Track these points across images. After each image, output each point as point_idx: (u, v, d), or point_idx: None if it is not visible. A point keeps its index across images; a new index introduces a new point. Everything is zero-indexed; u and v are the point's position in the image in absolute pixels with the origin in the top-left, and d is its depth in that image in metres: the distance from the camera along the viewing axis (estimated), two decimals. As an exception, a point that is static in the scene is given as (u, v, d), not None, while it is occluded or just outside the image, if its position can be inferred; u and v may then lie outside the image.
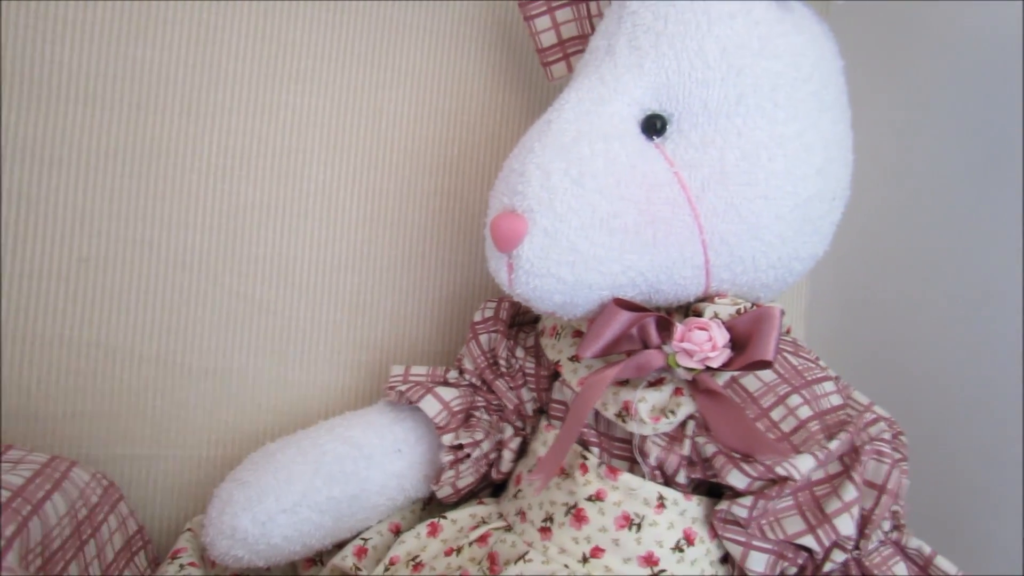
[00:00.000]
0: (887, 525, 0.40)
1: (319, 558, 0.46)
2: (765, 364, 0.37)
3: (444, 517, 0.45)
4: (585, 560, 0.40)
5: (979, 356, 0.53)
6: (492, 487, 0.48)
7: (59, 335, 0.45)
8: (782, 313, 0.43)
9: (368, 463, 0.44)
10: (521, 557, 0.40)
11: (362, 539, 0.45)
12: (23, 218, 0.44)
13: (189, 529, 0.45)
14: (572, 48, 0.48)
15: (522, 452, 0.47)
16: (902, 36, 0.60)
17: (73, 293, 0.45)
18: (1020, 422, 0.50)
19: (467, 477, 0.45)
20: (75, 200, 0.45)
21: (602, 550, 0.39)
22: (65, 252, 0.45)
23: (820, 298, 0.65)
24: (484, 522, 0.44)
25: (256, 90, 0.48)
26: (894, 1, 0.55)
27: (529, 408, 0.47)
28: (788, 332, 0.46)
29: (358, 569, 0.43)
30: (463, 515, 0.45)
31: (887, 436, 0.40)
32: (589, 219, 0.37)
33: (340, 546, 0.45)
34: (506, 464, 0.46)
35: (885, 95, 0.60)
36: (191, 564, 0.42)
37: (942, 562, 0.39)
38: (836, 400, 0.41)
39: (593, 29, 0.46)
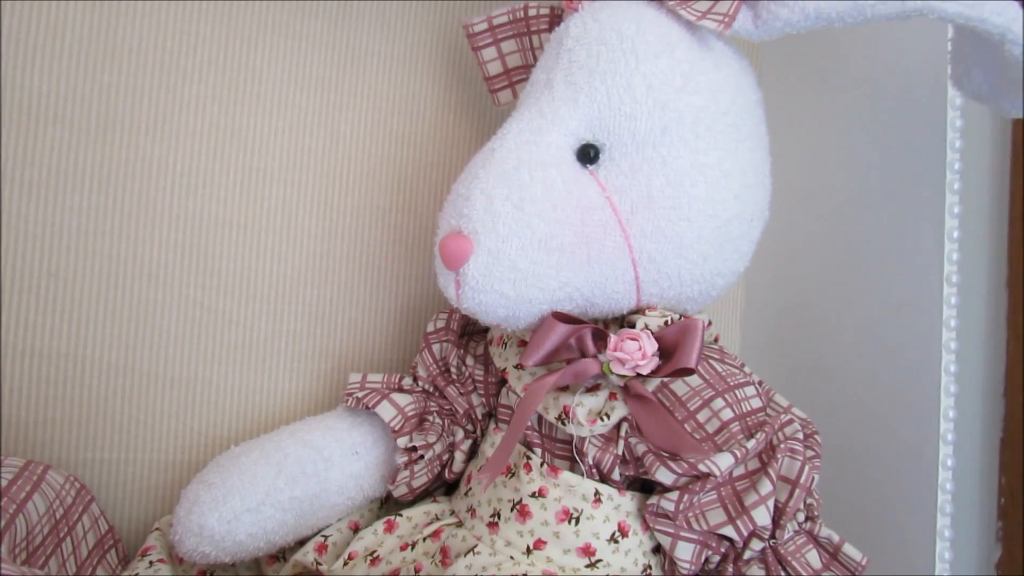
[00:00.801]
0: (801, 516, 0.44)
1: (282, 555, 0.49)
2: (689, 371, 0.41)
3: (400, 515, 0.48)
4: (529, 552, 0.43)
5: (897, 361, 0.58)
6: (445, 486, 0.52)
7: (30, 346, 0.47)
8: (709, 324, 0.47)
9: (328, 465, 0.47)
10: (471, 550, 0.44)
11: (323, 536, 0.48)
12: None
13: (157, 528, 0.48)
14: (517, 77, 0.52)
15: (472, 454, 0.50)
16: (826, 69, 0.64)
17: (43, 306, 0.47)
18: (936, 422, 0.55)
19: (421, 477, 0.49)
20: (45, 217, 0.47)
21: (544, 542, 0.43)
22: (36, 267, 0.47)
23: (753, 308, 0.69)
24: (437, 519, 0.48)
25: (219, 113, 0.51)
26: (819, 38, 0.59)
27: (479, 412, 0.50)
28: (716, 340, 0.50)
29: (319, 564, 0.46)
30: (418, 512, 0.48)
31: (800, 436, 0.44)
32: (528, 240, 0.40)
33: (301, 543, 0.48)
34: (458, 464, 0.49)
35: (815, 122, 0.64)
36: (160, 561, 0.44)
37: (849, 549, 0.44)
38: (756, 403, 0.45)
39: (536, 60, 0.50)
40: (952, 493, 0.55)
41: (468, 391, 0.50)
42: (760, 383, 0.47)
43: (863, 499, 0.58)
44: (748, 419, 0.44)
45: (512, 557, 0.43)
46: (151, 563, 0.44)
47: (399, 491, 0.48)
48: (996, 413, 0.83)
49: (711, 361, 0.46)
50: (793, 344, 0.66)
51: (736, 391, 0.45)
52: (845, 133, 0.62)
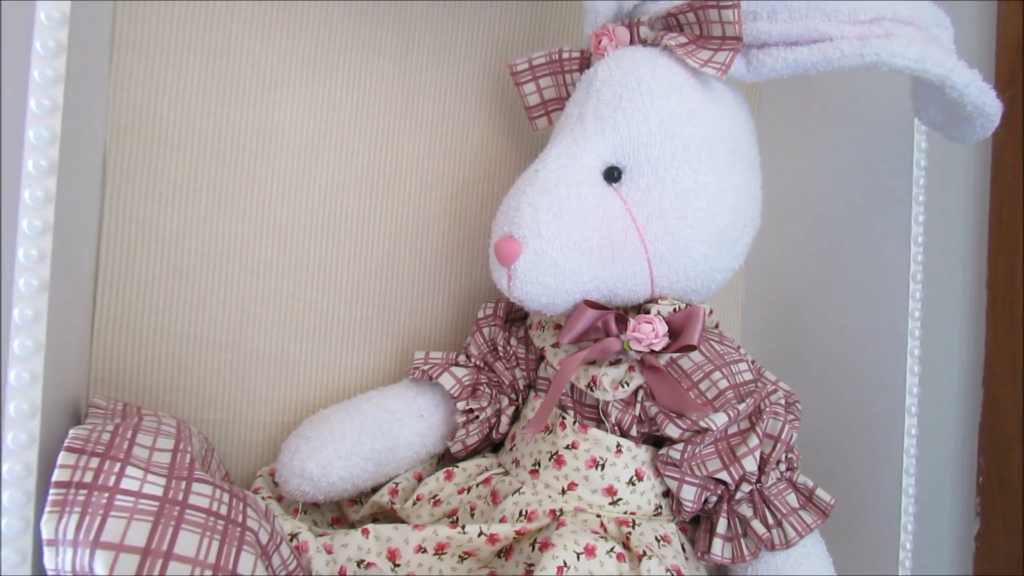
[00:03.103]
0: (783, 467, 0.54)
1: (359, 498, 0.60)
2: (692, 347, 0.51)
3: (457, 466, 0.59)
4: (563, 492, 0.53)
5: (869, 345, 0.68)
6: (491, 446, 0.62)
7: (159, 328, 0.58)
8: (711, 312, 0.58)
9: (399, 424, 0.58)
10: (516, 491, 0.54)
11: (394, 483, 0.58)
12: (130, 238, 0.57)
13: (259, 475, 0.59)
14: (552, 107, 0.62)
15: (515, 418, 0.61)
16: (815, 102, 0.75)
17: (170, 295, 0.58)
18: (902, 398, 0.65)
19: (474, 436, 0.59)
20: (171, 223, 0.58)
21: (576, 484, 0.53)
22: (164, 264, 0.58)
23: (752, 301, 0.80)
24: (487, 469, 0.58)
25: (305, 137, 0.62)
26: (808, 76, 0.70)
27: (521, 384, 0.60)
28: (717, 326, 0.60)
29: (392, 504, 0.57)
30: (471, 465, 0.59)
31: (783, 402, 0.54)
32: (566, 243, 0.50)
33: (374, 490, 0.59)
34: (504, 427, 0.60)
35: (805, 144, 0.75)
36: (269, 498, 0.55)
37: (821, 493, 0.54)
38: (748, 376, 0.55)
39: (569, 93, 0.60)
40: (916, 476, 0.64)
41: (512, 366, 0.60)
42: (753, 362, 0.58)
43: (831, 462, 0.68)
44: (740, 388, 0.54)
45: (550, 496, 0.53)
46: (263, 499, 0.55)
47: (456, 447, 0.59)
48: (976, 400, 0.94)
49: (711, 342, 0.56)
50: (784, 332, 0.76)
51: (731, 366, 0.55)
52: (830, 154, 0.72)
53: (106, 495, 0.35)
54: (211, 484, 0.38)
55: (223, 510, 0.37)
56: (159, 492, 0.36)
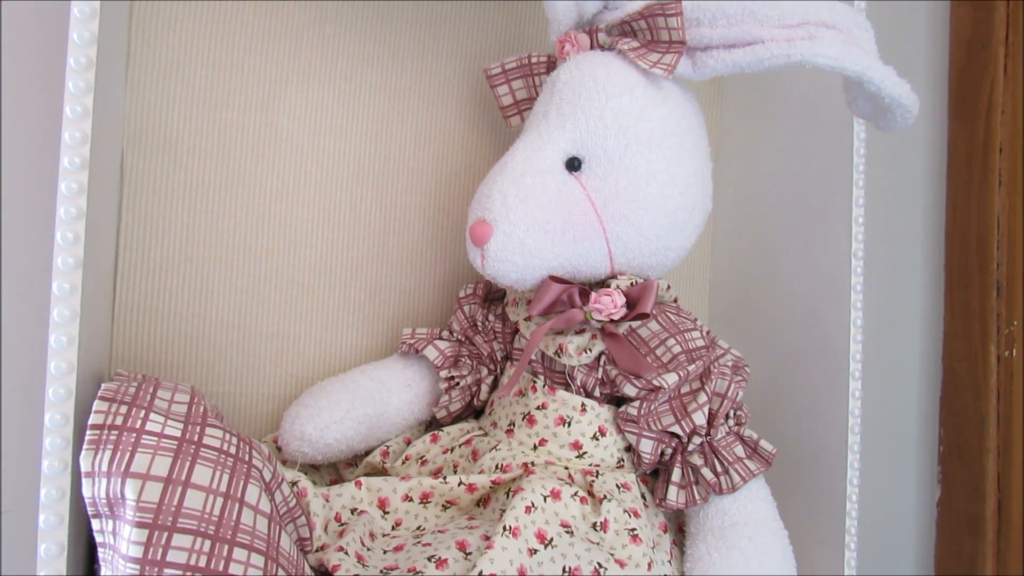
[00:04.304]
0: (731, 422, 0.60)
1: (354, 461, 0.66)
2: (646, 315, 0.58)
3: (442, 430, 0.65)
4: (535, 448, 0.60)
5: (818, 317, 0.74)
6: (474, 414, 0.69)
7: (172, 311, 0.64)
8: (668, 288, 0.64)
9: (388, 393, 0.64)
10: (493, 448, 0.60)
11: (385, 446, 0.64)
12: (146, 231, 0.63)
13: (264, 442, 0.65)
14: (524, 107, 0.68)
15: (494, 387, 0.67)
16: (771, 100, 0.82)
17: (182, 281, 0.64)
18: (846, 364, 0.71)
19: (456, 403, 0.66)
20: (182, 217, 0.65)
21: (546, 440, 0.60)
22: (176, 253, 0.64)
23: (719, 280, 0.86)
24: (469, 432, 0.64)
25: (302, 140, 0.68)
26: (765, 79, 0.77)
27: (499, 355, 0.67)
28: (676, 301, 0.66)
29: (383, 464, 0.64)
30: (455, 429, 0.65)
31: (730, 364, 0.61)
32: (531, 225, 0.56)
33: (368, 453, 0.65)
34: (484, 394, 0.66)
35: (765, 139, 0.81)
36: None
37: (765, 444, 0.60)
38: (700, 343, 0.61)
39: (537, 94, 0.67)
40: (860, 434, 0.70)
41: (490, 339, 0.67)
42: (708, 332, 0.63)
43: (789, 436, 0.75)
44: (692, 353, 0.60)
45: (523, 451, 0.60)
46: (268, 459, 0.61)
47: (440, 413, 0.66)
48: (936, 376, 1.00)
49: (668, 314, 0.62)
50: (748, 309, 0.83)
51: (685, 334, 0.61)
52: (785, 146, 0.79)
53: (134, 435, 0.41)
54: (221, 429, 0.44)
55: (232, 450, 0.44)
56: (178, 434, 0.42)
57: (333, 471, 0.67)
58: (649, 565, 0.54)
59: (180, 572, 0.39)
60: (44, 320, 0.44)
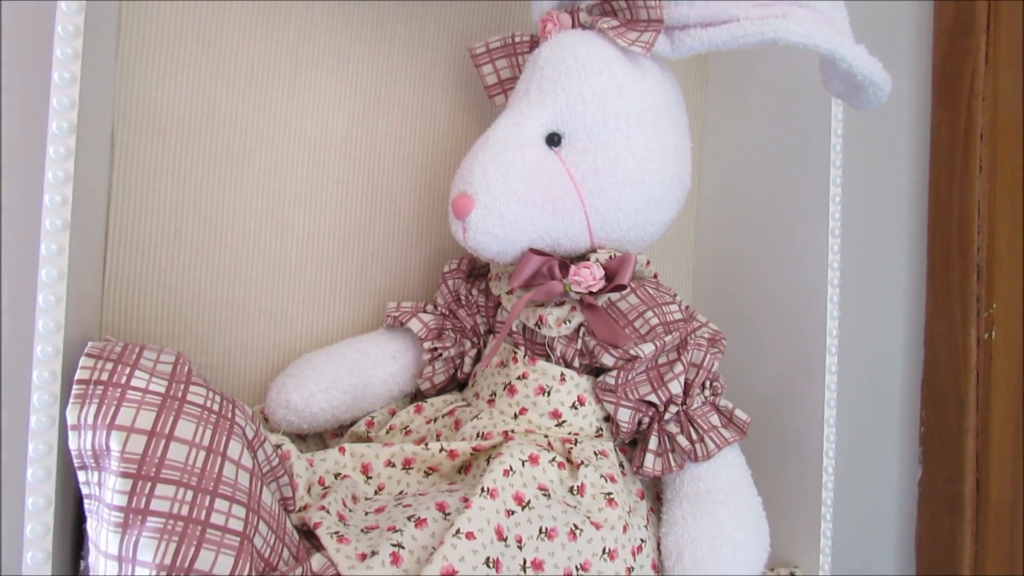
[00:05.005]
0: (708, 392, 0.62)
1: (340, 432, 0.68)
2: (623, 287, 0.59)
3: (426, 402, 0.67)
4: (516, 416, 0.61)
5: (799, 293, 0.75)
6: (457, 387, 0.70)
7: (161, 284, 0.65)
8: (648, 263, 0.65)
9: (373, 365, 0.66)
10: (475, 417, 0.62)
11: (370, 416, 0.66)
12: (135, 206, 0.65)
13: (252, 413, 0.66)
14: (508, 86, 0.69)
15: (477, 359, 0.69)
16: (753, 83, 0.83)
17: (170, 256, 0.66)
18: (823, 339, 0.72)
19: (440, 375, 0.67)
20: (171, 192, 0.66)
21: (526, 409, 0.61)
22: (165, 228, 0.65)
23: (702, 263, 0.88)
24: (452, 403, 0.66)
25: (290, 116, 0.69)
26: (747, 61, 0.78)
27: (482, 329, 0.68)
28: (655, 276, 0.67)
29: (368, 434, 0.65)
30: (438, 400, 0.66)
31: (707, 336, 0.62)
32: (512, 198, 0.58)
33: (353, 423, 0.67)
34: (467, 367, 0.68)
35: (746, 122, 0.83)
36: (260, 428, 0.63)
37: (740, 413, 0.61)
38: (677, 316, 0.62)
39: (521, 73, 0.68)
40: (836, 408, 0.72)
41: (473, 313, 0.68)
42: (687, 307, 0.65)
43: (769, 407, 0.76)
44: (669, 325, 0.61)
45: (504, 420, 0.61)
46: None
47: (424, 385, 0.67)
48: (918, 358, 1.02)
49: (647, 288, 0.64)
50: (729, 289, 0.84)
51: (663, 307, 0.62)
52: (765, 128, 0.80)
53: (119, 390, 0.43)
54: (205, 387, 0.46)
55: (215, 407, 0.45)
56: (162, 390, 0.44)
57: (319, 442, 0.68)
58: (624, 528, 0.55)
59: (163, 520, 0.40)
60: (33, 281, 0.45)
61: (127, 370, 0.44)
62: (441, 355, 0.66)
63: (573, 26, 0.64)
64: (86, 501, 0.43)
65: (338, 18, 0.71)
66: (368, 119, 0.72)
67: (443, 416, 0.64)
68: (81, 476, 0.43)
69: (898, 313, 1.03)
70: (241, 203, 0.68)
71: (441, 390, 0.68)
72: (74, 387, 0.43)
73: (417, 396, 0.70)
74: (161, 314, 0.66)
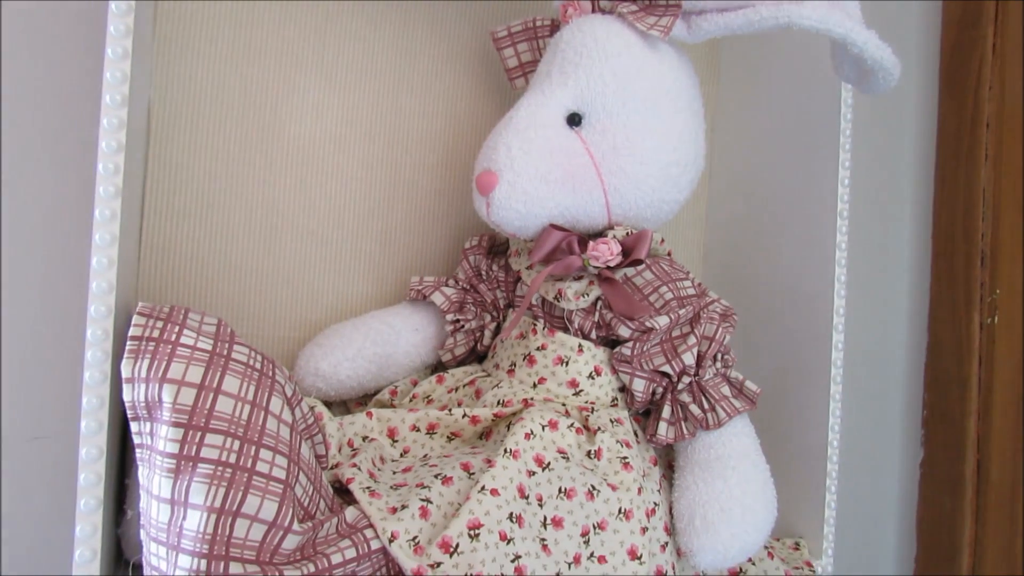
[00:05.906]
0: (719, 364, 0.64)
1: (364, 401, 0.70)
2: (639, 262, 0.62)
3: (447, 372, 0.69)
4: (535, 386, 0.64)
5: (807, 273, 0.77)
6: (477, 359, 0.73)
7: (194, 255, 0.68)
8: (663, 241, 0.67)
9: (397, 336, 0.68)
10: (496, 386, 0.64)
11: (394, 385, 0.69)
12: (170, 179, 0.67)
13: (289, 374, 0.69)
14: (528, 69, 0.72)
15: (496, 333, 0.71)
16: (763, 68, 0.85)
17: (203, 227, 0.68)
18: (830, 318, 0.75)
19: (461, 347, 0.70)
20: (204, 166, 0.68)
21: (545, 379, 0.64)
22: (199, 200, 0.68)
23: (713, 246, 0.90)
24: (473, 374, 0.69)
25: (318, 94, 0.72)
26: (759, 48, 0.80)
27: (501, 303, 0.71)
28: (669, 254, 0.70)
29: (392, 402, 0.68)
30: (459, 371, 0.69)
31: (719, 311, 0.65)
32: (534, 175, 0.61)
33: (378, 391, 0.69)
34: (487, 339, 0.70)
35: (758, 107, 0.85)
36: (289, 393, 0.66)
37: (750, 384, 0.64)
38: (691, 291, 0.65)
39: (541, 56, 0.71)
40: (842, 384, 0.74)
41: (494, 287, 0.71)
42: (699, 284, 0.67)
43: (777, 382, 0.78)
44: (683, 300, 0.64)
45: (524, 389, 0.64)
46: (284, 393, 0.65)
47: (446, 356, 0.70)
48: (921, 341, 1.04)
49: (662, 264, 0.66)
50: (738, 271, 0.87)
51: (677, 283, 0.65)
52: (777, 113, 0.83)
53: (169, 347, 0.45)
54: (247, 347, 0.48)
55: (257, 365, 0.48)
56: (209, 347, 0.46)
57: (344, 410, 0.71)
58: (639, 490, 0.58)
59: (212, 467, 0.43)
60: (86, 244, 0.48)
61: (176, 328, 0.46)
62: (463, 327, 0.69)
63: (593, 11, 0.66)
64: (138, 451, 0.45)
65: (363, 2, 0.73)
66: (392, 99, 0.75)
67: (464, 386, 0.67)
68: (134, 427, 0.45)
69: (903, 297, 1.06)
70: (270, 177, 0.71)
71: (461, 362, 0.71)
72: (128, 343, 0.45)
73: (438, 368, 0.72)
74: (193, 284, 0.69)
